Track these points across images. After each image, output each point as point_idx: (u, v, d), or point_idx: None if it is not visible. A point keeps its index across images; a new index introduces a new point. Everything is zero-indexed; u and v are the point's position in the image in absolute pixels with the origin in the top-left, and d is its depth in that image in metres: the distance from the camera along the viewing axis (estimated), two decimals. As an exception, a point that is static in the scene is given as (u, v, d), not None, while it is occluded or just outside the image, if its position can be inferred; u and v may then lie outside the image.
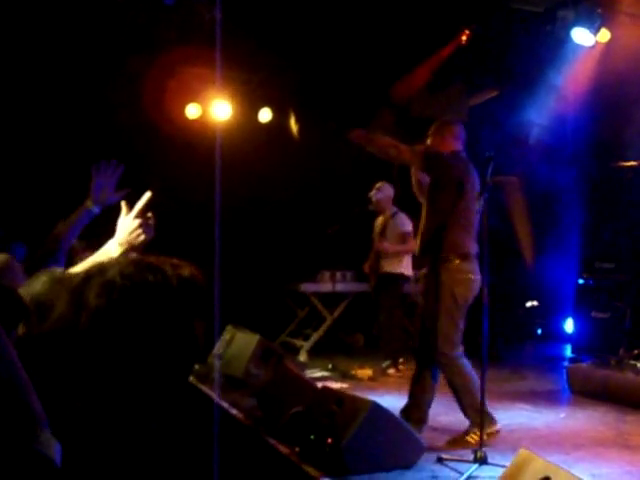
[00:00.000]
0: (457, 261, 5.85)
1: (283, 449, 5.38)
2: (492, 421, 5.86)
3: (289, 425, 5.50)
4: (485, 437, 5.38)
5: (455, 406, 6.48)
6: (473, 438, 5.63)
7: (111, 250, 2.96)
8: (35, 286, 2.38)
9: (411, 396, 6.12)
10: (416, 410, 6.01)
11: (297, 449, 5.26)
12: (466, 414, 5.85)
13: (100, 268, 1.66)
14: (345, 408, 5.06)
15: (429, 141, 6.24)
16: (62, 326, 1.61)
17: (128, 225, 3.01)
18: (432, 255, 5.99)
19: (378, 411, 4.96)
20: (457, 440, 5.80)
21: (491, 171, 5.32)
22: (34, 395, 1.42)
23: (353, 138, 6.15)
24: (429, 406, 6.07)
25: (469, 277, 5.88)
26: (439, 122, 6.37)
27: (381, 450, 4.92)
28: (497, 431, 5.87)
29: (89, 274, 1.65)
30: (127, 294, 1.60)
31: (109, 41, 8.72)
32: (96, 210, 3.82)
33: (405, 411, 6.03)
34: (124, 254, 2.92)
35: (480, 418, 5.43)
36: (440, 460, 5.23)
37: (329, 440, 4.90)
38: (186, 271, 1.69)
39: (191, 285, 1.69)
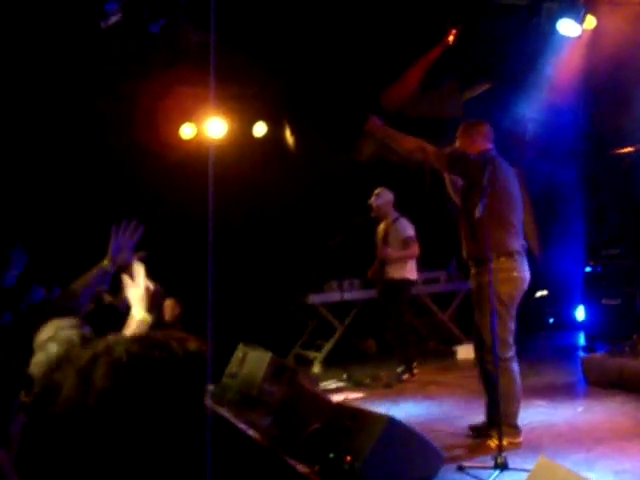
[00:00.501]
0: (498, 260, 5.68)
1: (302, 469, 5.36)
2: (517, 431, 5.84)
3: (307, 444, 5.50)
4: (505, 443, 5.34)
5: (474, 409, 6.55)
6: (495, 443, 5.46)
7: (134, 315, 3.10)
8: (41, 358, 2.40)
9: (487, 395, 6.05)
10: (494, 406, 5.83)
11: (317, 468, 5.25)
12: (502, 420, 5.52)
13: (107, 346, 1.67)
14: (361, 424, 5.05)
15: (458, 143, 6.18)
16: (70, 407, 1.61)
17: (138, 294, 3.16)
18: (474, 257, 5.95)
19: (394, 426, 4.94)
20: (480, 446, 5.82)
21: (489, 175, 5.28)
22: None
23: (373, 130, 6.09)
24: None
25: (512, 275, 5.82)
26: (465, 123, 6.29)
27: (400, 464, 4.91)
28: (520, 442, 5.78)
29: (96, 353, 1.66)
30: (134, 373, 1.60)
31: (101, 67, 8.73)
32: (112, 270, 3.87)
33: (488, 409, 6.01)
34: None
35: (502, 424, 5.43)
36: (461, 469, 5.21)
37: (348, 458, 4.89)
38: (192, 345, 1.69)
39: (198, 359, 1.69)
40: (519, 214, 6.04)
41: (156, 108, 9.71)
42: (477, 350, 6.22)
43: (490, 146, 6.11)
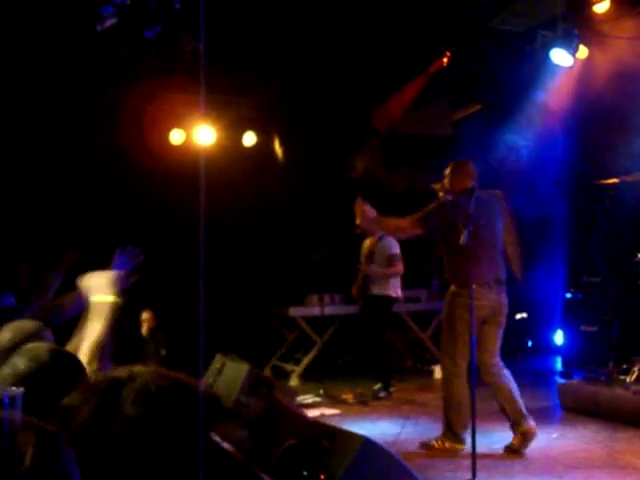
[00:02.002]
0: (465, 288, 6.16)
1: (275, 485, 5.35)
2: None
3: (281, 460, 5.48)
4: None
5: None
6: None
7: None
8: (7, 372, 2.39)
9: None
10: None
11: (290, 485, 5.24)
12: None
13: (129, 374, 1.71)
14: (337, 444, 5.04)
15: (446, 181, 6.72)
16: (90, 431, 1.64)
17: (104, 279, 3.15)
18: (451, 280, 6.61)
19: (369, 446, 4.93)
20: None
21: (474, 203, 5.33)
22: None
23: (364, 228, 7.18)
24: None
25: (476, 303, 6.08)
26: (454, 163, 6.77)
27: (374, 485, 4.91)
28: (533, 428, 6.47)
29: (118, 378, 1.70)
30: (162, 404, 1.65)
31: (92, 71, 8.72)
32: None
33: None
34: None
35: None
36: (433, 491, 5.25)
37: (322, 477, 4.89)
38: (208, 390, 1.79)
39: (213, 399, 1.76)
40: (497, 245, 6.64)
41: (146, 112, 9.71)
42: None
43: (473, 184, 6.48)
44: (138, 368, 1.75)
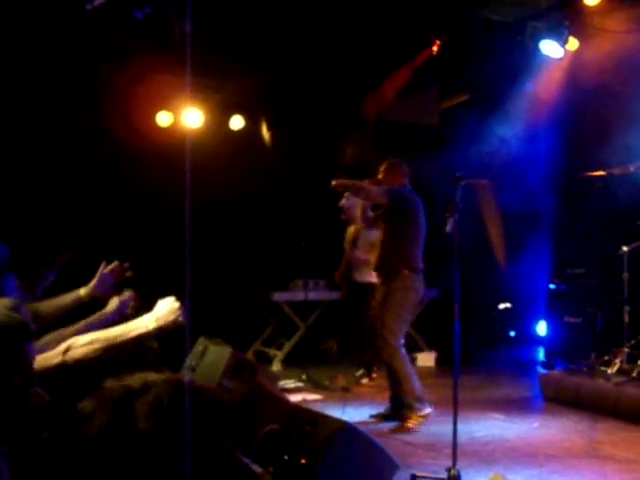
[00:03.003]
0: (410, 273, 7.02)
1: (256, 469, 5.35)
2: (421, 405, 6.83)
3: (263, 444, 5.48)
4: (420, 420, 6.71)
5: (430, 417, 6.79)
6: (413, 422, 6.72)
7: (146, 322, 3.17)
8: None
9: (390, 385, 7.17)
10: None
11: (271, 469, 5.24)
12: (405, 400, 6.82)
13: (143, 384, 1.73)
14: (318, 428, 5.05)
15: (381, 176, 7.32)
16: (104, 438, 1.66)
17: (170, 305, 3.31)
18: (389, 268, 7.12)
19: (351, 431, 4.94)
20: (399, 428, 6.71)
21: (461, 193, 5.33)
22: None
23: (336, 188, 7.22)
24: None
25: (415, 285, 7.07)
26: (389, 162, 7.37)
27: (354, 471, 4.92)
28: (427, 414, 6.81)
29: (132, 388, 1.73)
30: (173, 417, 1.67)
31: (80, 51, 8.65)
32: (86, 300, 4.01)
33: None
34: (158, 329, 3.25)
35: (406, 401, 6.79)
36: (414, 478, 5.23)
37: (303, 461, 4.89)
38: (216, 394, 1.81)
39: (224, 408, 1.80)
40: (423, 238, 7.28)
41: (134, 93, 9.64)
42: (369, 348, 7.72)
43: (406, 181, 7.31)
44: (152, 377, 1.78)
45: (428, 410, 6.83)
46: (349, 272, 9.22)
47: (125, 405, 1.68)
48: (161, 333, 3.39)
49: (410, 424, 6.74)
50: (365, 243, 9.11)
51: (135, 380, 1.76)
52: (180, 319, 3.29)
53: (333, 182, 7.00)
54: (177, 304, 3.28)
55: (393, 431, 6.65)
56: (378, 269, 7.33)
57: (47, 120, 9.55)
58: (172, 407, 1.67)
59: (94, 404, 1.72)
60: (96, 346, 3.24)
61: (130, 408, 1.67)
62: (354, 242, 9.22)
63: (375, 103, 10.01)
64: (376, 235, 9.04)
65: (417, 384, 6.89)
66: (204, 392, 1.77)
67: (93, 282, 4.32)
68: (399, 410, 6.92)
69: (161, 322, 3.24)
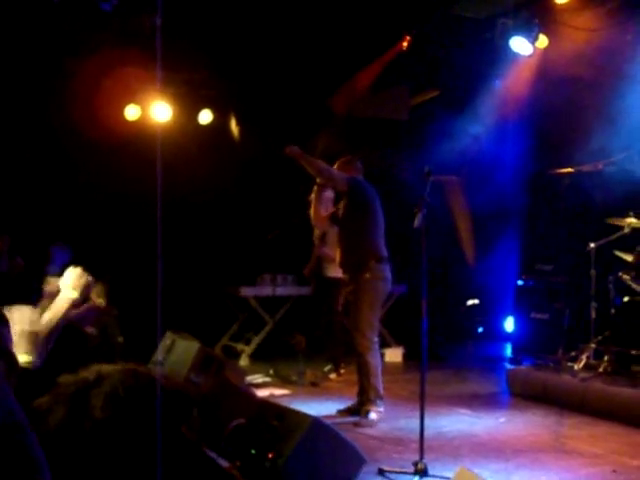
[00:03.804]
0: (377, 264, 6.94)
1: (223, 463, 5.32)
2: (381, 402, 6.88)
3: (230, 438, 5.45)
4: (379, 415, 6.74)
5: (394, 414, 6.84)
6: (374, 416, 6.76)
7: (67, 295, 3.28)
8: None
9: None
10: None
11: (238, 463, 5.21)
12: (370, 398, 6.84)
13: (97, 376, 1.78)
14: (285, 423, 5.03)
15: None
16: (62, 431, 1.67)
17: (73, 272, 3.49)
18: (357, 262, 7.01)
19: (318, 426, 4.93)
20: (359, 422, 6.73)
21: (429, 187, 5.33)
22: (34, 441, 1.53)
23: (290, 154, 6.82)
24: None
25: (385, 275, 6.96)
26: (342, 160, 7.36)
27: (321, 465, 4.90)
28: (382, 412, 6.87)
29: (87, 382, 1.74)
30: (130, 406, 1.73)
31: (47, 42, 8.56)
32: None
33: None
34: (80, 295, 3.43)
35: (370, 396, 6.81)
36: (381, 472, 5.23)
37: (270, 455, 4.87)
38: (173, 382, 1.81)
39: (181, 395, 1.89)
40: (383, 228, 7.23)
41: (102, 86, 9.55)
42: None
43: (360, 176, 7.29)
44: (106, 368, 1.83)
45: (382, 409, 6.88)
46: (318, 268, 9.20)
47: (81, 397, 1.72)
48: (84, 298, 3.54)
49: (376, 415, 6.78)
50: (334, 238, 9.08)
51: (90, 373, 1.78)
52: (89, 279, 3.48)
53: (287, 148, 6.81)
54: (78, 268, 3.36)
55: (357, 425, 6.65)
56: (345, 265, 7.24)
57: (12, 113, 9.42)
58: (128, 397, 1.72)
59: (50, 400, 1.72)
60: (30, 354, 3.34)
61: (86, 400, 1.71)
62: (323, 237, 9.19)
63: (345, 98, 10.01)
64: None
65: (381, 382, 6.93)
66: (161, 381, 1.78)
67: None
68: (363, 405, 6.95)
69: (77, 288, 3.39)
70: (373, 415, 6.78)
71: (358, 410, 6.94)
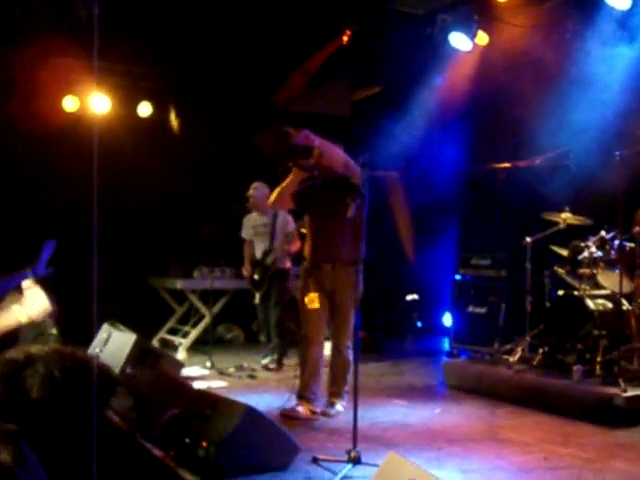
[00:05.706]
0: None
1: (158, 453, 5.29)
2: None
3: (165, 428, 5.43)
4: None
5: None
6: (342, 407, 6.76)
7: (17, 316, 3.18)
8: None
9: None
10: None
11: (172, 453, 5.19)
12: (341, 392, 6.85)
13: (27, 356, 1.76)
14: (219, 412, 5.03)
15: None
16: None
17: (39, 298, 3.23)
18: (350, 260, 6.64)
19: (252, 415, 4.94)
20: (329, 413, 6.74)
21: (365, 177, 5.35)
22: None
23: (304, 141, 6.49)
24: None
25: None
26: None
27: (255, 453, 4.92)
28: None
29: (17, 361, 1.75)
30: (66, 387, 1.74)
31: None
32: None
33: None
34: (29, 322, 3.22)
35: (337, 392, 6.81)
36: (315, 460, 5.25)
37: (204, 444, 4.87)
38: (101, 365, 1.89)
39: (107, 376, 1.90)
40: None
41: (38, 76, 9.42)
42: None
43: None
44: (35, 349, 1.80)
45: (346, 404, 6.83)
46: (263, 259, 9.16)
47: (13, 377, 1.70)
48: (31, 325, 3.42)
49: (339, 408, 6.78)
50: (282, 232, 9.10)
51: (18, 353, 1.77)
52: (50, 310, 3.24)
53: (302, 134, 6.43)
54: (44, 296, 3.28)
55: (324, 414, 6.71)
56: (339, 257, 6.84)
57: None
58: (65, 378, 1.72)
59: None
60: None
61: (19, 380, 1.70)
62: (273, 229, 9.14)
63: (285, 92, 10.01)
64: (293, 226, 9.07)
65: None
66: (87, 362, 1.80)
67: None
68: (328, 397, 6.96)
69: (33, 317, 3.24)
70: (339, 407, 6.79)
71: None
